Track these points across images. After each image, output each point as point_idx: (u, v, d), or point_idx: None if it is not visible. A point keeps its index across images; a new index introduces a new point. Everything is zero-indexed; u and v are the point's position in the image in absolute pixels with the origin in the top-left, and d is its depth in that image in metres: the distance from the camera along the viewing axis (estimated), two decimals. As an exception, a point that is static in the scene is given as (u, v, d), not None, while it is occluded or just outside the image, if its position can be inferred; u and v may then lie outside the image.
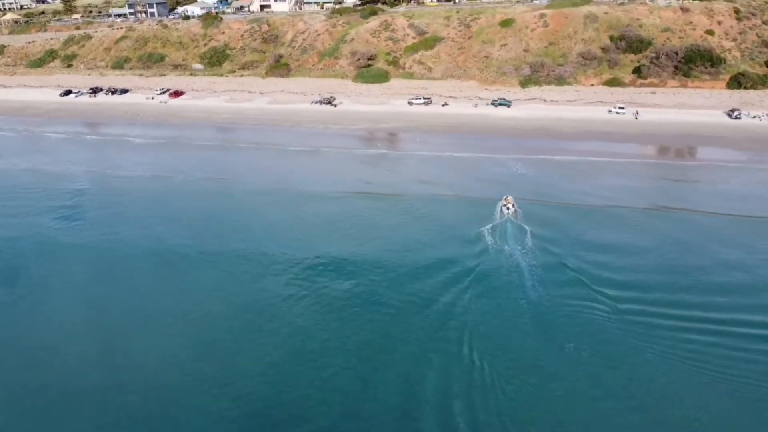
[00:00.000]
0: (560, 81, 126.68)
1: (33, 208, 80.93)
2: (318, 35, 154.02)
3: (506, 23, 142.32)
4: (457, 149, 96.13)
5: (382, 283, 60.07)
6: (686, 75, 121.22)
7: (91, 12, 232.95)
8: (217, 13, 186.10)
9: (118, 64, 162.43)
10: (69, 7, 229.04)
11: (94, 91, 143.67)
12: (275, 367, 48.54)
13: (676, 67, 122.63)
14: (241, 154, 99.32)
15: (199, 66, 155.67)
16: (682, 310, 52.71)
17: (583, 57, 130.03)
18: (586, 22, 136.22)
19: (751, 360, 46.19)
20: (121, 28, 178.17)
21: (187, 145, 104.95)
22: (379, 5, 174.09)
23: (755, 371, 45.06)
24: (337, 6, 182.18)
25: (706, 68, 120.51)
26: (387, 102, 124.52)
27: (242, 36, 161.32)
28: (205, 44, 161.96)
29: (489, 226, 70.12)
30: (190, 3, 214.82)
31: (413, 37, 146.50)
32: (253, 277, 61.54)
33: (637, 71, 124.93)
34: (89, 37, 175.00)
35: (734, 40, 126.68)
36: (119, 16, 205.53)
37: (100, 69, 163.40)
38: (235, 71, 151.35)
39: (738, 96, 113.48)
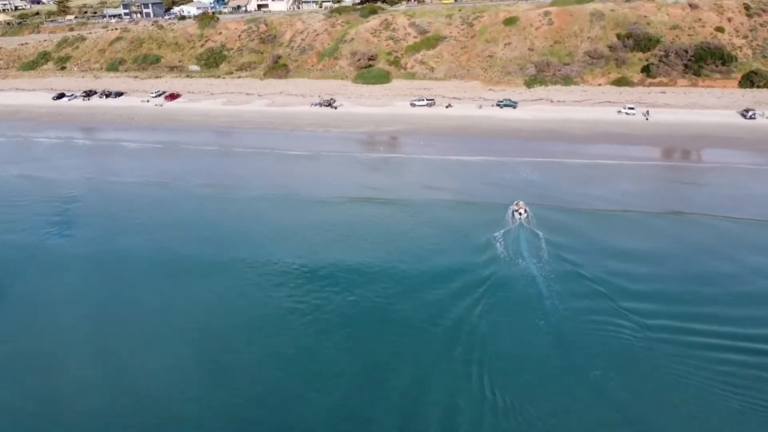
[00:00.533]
0: (567, 81, 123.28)
1: (24, 217, 77.94)
2: (317, 35, 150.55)
3: (510, 21, 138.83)
4: (463, 153, 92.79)
5: (388, 295, 57.31)
6: (697, 74, 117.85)
7: (86, 13, 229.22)
8: (213, 13, 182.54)
9: (113, 66, 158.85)
10: (63, 7, 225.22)
11: (88, 94, 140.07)
12: (279, 390, 45.70)
13: (686, 66, 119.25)
14: (239, 159, 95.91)
15: (195, 67, 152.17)
16: (714, 325, 49.62)
17: (589, 56, 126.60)
18: (592, 19, 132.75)
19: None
20: (116, 29, 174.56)
21: (184, 150, 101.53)
22: (379, 4, 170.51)
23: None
24: (336, 5, 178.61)
25: (717, 67, 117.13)
26: (389, 103, 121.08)
27: (239, 36, 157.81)
28: (202, 45, 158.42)
29: (500, 232, 67.30)
30: (186, 3, 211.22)
31: (414, 37, 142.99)
32: (257, 289, 58.83)
33: (645, 70, 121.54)
34: (83, 39, 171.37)
35: (745, 37, 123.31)
36: (114, 16, 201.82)
37: (94, 71, 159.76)
38: (232, 73, 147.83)
39: (751, 95, 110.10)
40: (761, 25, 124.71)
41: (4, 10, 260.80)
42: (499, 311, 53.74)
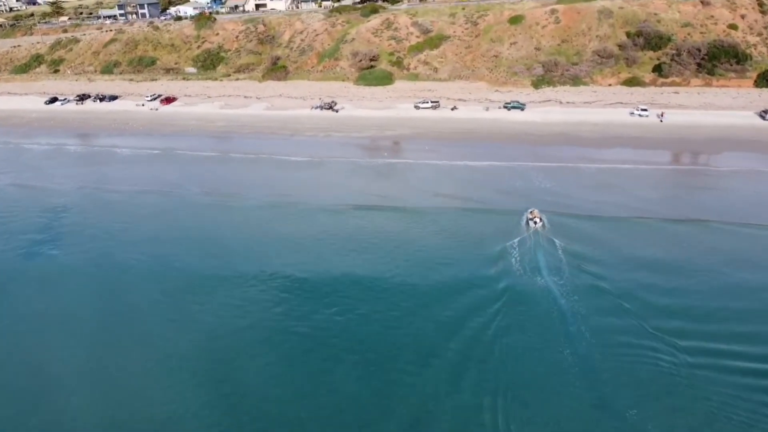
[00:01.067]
0: (575, 81, 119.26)
1: (13, 228, 74.51)
2: (317, 35, 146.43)
3: (515, 20, 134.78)
4: (471, 158, 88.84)
5: (396, 313, 53.78)
6: (710, 73, 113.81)
7: (81, 14, 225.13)
8: (210, 13, 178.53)
9: (107, 69, 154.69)
10: (57, 9, 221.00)
11: (82, 98, 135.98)
12: (283, 417, 42.91)
13: (699, 65, 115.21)
14: (238, 166, 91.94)
15: (192, 70, 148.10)
16: (755, 346, 45.88)
17: (598, 55, 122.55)
18: (600, 17, 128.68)
19: None
20: (110, 30, 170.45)
21: (181, 156, 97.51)
22: (380, 2, 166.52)
23: None
24: (336, 4, 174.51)
25: (731, 65, 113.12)
26: (392, 106, 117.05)
27: (237, 37, 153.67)
28: (198, 46, 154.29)
29: (515, 241, 64.07)
30: (182, 3, 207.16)
31: (417, 36, 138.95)
32: (259, 307, 55.69)
33: (657, 70, 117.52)
34: (77, 41, 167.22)
35: (759, 34, 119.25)
36: (108, 17, 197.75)
37: (88, 74, 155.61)
38: (230, 75, 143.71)
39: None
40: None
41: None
42: (516, 333, 50.17)
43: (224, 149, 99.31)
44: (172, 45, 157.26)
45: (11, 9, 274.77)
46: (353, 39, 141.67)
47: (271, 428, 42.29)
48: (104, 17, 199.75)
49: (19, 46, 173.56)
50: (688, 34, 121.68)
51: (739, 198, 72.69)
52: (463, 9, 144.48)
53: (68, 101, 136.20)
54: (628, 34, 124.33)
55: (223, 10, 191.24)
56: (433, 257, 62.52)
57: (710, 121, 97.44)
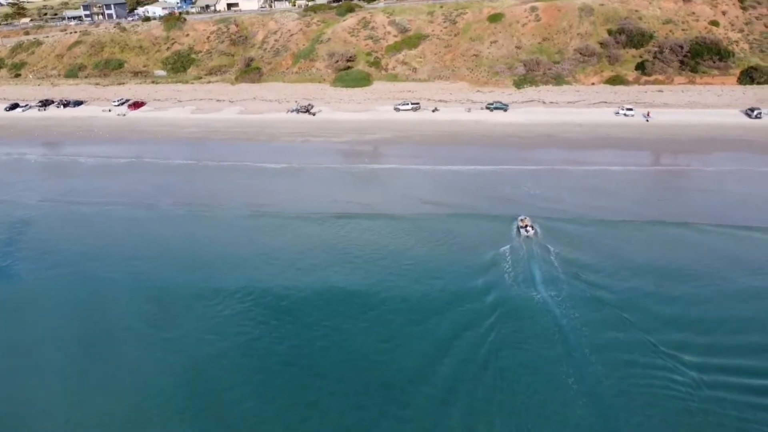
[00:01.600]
0: (558, 80, 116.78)
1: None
2: (291, 35, 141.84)
3: (495, 18, 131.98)
4: (456, 162, 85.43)
5: (381, 331, 50.56)
6: (694, 70, 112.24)
7: (45, 15, 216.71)
8: (180, 13, 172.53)
9: (72, 73, 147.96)
10: (18, 10, 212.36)
11: (44, 103, 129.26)
12: None
13: (681, 62, 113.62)
14: (211, 174, 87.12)
15: (161, 72, 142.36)
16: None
17: (580, 53, 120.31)
18: (581, 14, 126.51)
19: None
20: (75, 32, 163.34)
21: (150, 165, 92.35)
22: (356, 1, 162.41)
23: None
24: (310, 3, 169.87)
25: (714, 62, 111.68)
26: (371, 108, 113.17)
27: (208, 38, 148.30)
28: (168, 48, 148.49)
29: (506, 250, 61.19)
30: (150, 3, 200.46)
31: (395, 36, 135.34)
32: (237, 326, 52.30)
33: (640, 67, 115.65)
34: (39, 43, 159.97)
35: (741, 31, 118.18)
36: (73, 18, 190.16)
37: (51, 78, 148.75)
38: (201, 77, 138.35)
39: (752, 92, 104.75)
40: (757, 18, 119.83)
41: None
42: (511, 351, 47.13)
43: (197, 157, 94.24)
44: (141, 47, 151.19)
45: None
46: (329, 39, 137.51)
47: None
48: (69, 18, 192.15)
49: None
50: (670, 31, 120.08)
51: (732, 200, 70.47)
52: (441, 7, 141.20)
53: (30, 107, 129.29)
54: (609, 32, 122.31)
55: (193, 10, 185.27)
56: (420, 269, 59.40)
57: (697, 120, 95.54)
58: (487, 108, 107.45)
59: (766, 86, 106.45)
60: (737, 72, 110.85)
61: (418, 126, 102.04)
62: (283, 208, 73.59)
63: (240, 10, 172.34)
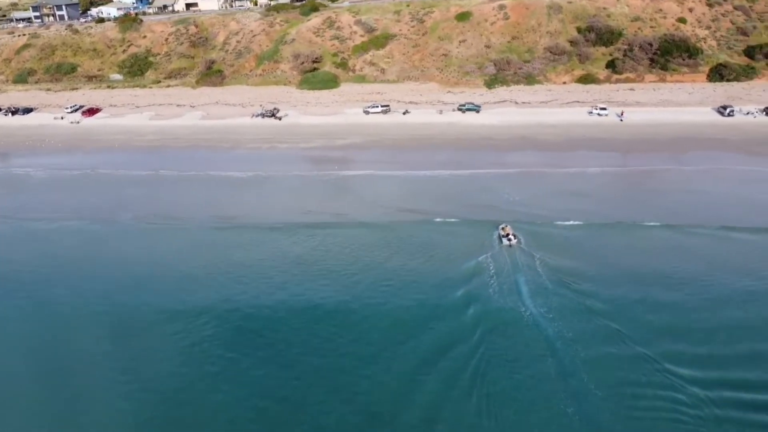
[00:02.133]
0: (529, 79, 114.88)
1: None
2: (254, 36, 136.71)
3: (463, 17, 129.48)
4: (431, 167, 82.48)
5: (357, 353, 47.63)
6: (664, 68, 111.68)
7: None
8: (136, 14, 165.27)
9: (21, 78, 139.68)
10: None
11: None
12: None
13: (651, 60, 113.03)
14: (174, 185, 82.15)
15: (117, 76, 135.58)
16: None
17: (550, 52, 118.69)
18: (550, 12, 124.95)
19: None
20: (24, 34, 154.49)
21: (106, 177, 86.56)
22: (320, 0, 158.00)
23: None
24: (272, 2, 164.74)
25: (684, 60, 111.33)
26: (339, 111, 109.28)
27: (167, 40, 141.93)
28: (124, 51, 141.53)
29: (488, 261, 58.66)
30: (105, 3, 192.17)
31: (361, 35, 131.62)
32: (201, 350, 48.98)
33: (611, 65, 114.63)
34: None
35: (708, 27, 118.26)
36: (22, 20, 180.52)
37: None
38: (160, 81, 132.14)
39: (723, 90, 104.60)
40: (723, 14, 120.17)
41: None
42: (498, 377, 44.39)
43: (157, 166, 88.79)
44: (95, 50, 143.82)
45: None
46: (293, 39, 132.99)
47: None
48: (17, 20, 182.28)
49: None
50: (639, 28, 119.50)
51: (713, 200, 69.75)
52: (408, 6, 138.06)
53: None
54: (578, 30, 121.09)
55: (150, 10, 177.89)
56: (398, 283, 56.64)
57: (670, 119, 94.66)
58: (459, 109, 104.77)
59: (735, 83, 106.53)
60: (706, 69, 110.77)
61: (389, 129, 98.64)
62: (250, 221, 69.85)
63: (199, 10, 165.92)
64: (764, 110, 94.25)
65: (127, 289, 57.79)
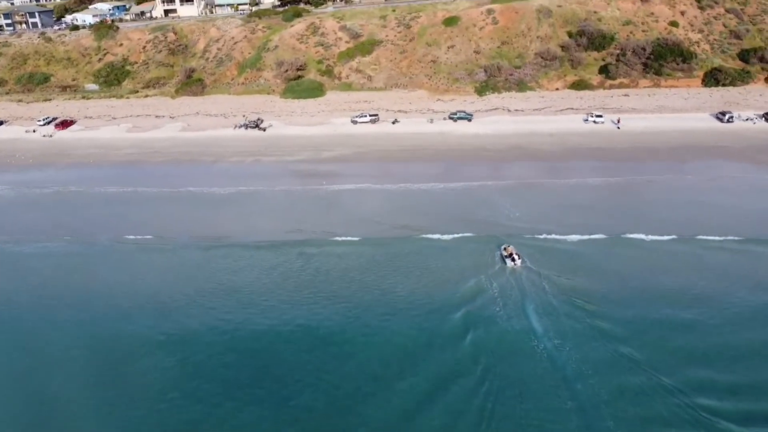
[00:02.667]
0: (521, 86, 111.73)
1: None
2: (235, 43, 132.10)
3: (450, 21, 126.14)
4: (424, 180, 78.70)
5: (353, 386, 44.24)
6: (658, 73, 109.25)
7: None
8: (113, 21, 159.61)
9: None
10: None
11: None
12: None
13: (645, 65, 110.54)
14: (153, 203, 77.18)
15: (93, 86, 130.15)
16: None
17: (541, 57, 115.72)
18: (540, 17, 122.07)
19: None
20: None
21: (79, 195, 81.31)
22: (302, 5, 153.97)
23: None
24: (254, 8, 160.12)
25: (677, 64, 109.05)
26: (326, 121, 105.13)
27: (144, 48, 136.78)
28: (100, 59, 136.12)
29: (490, 281, 55.35)
30: (80, 10, 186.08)
31: (347, 42, 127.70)
32: (198, 382, 45.66)
33: (603, 71, 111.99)
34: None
35: (701, 31, 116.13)
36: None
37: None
38: (137, 91, 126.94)
39: (719, 95, 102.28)
40: (715, 18, 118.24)
41: None
42: (508, 418, 40.52)
43: (134, 183, 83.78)
44: (69, 59, 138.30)
45: None
46: (276, 46, 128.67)
47: None
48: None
49: None
50: (631, 32, 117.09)
51: (723, 210, 66.70)
52: (394, 11, 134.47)
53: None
54: (569, 34, 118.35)
55: (127, 17, 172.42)
56: (393, 306, 53.15)
57: (669, 126, 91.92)
58: (451, 118, 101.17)
59: (731, 88, 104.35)
60: (701, 74, 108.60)
61: (378, 140, 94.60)
62: (234, 241, 65.76)
63: (178, 17, 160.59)
64: (764, 116, 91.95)
65: (103, 319, 53.71)
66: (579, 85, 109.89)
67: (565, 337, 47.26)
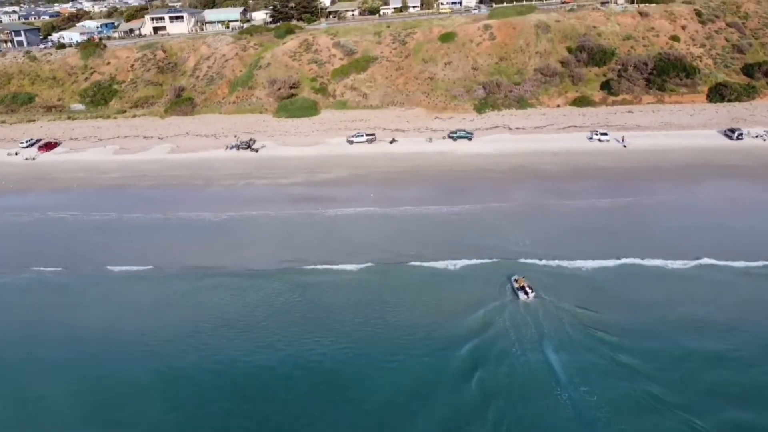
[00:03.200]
0: (521, 103, 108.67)
1: None
2: (226, 61, 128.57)
3: (447, 37, 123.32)
4: (424, 202, 75.22)
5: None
6: (661, 89, 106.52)
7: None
8: (100, 38, 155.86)
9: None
10: None
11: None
12: None
13: (647, 80, 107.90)
14: (141, 230, 73.11)
15: (79, 106, 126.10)
16: None
17: (541, 73, 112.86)
18: (538, 32, 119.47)
19: None
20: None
21: (62, 222, 77.24)
22: (295, 22, 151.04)
23: None
24: (245, 25, 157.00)
25: (681, 80, 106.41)
26: (321, 141, 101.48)
27: (132, 66, 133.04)
28: (86, 78, 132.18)
29: (500, 313, 52.09)
30: (68, 28, 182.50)
31: (341, 59, 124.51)
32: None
33: (605, 87, 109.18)
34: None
35: (702, 45, 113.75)
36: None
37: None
38: (125, 111, 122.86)
39: (725, 111, 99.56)
40: (716, 32, 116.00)
41: None
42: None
43: (121, 208, 79.55)
44: (54, 78, 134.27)
45: None
46: (269, 64, 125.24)
47: None
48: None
49: None
50: (631, 47, 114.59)
51: (745, 233, 63.29)
52: (389, 27, 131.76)
53: None
54: (569, 50, 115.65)
55: (115, 35, 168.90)
56: (398, 341, 49.78)
57: (676, 144, 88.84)
58: (450, 137, 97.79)
59: (737, 103, 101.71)
60: (705, 89, 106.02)
61: (376, 161, 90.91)
62: (226, 269, 62.28)
63: (168, 34, 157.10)
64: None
65: (88, 356, 50.42)
66: (581, 102, 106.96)
67: (587, 377, 43.65)
